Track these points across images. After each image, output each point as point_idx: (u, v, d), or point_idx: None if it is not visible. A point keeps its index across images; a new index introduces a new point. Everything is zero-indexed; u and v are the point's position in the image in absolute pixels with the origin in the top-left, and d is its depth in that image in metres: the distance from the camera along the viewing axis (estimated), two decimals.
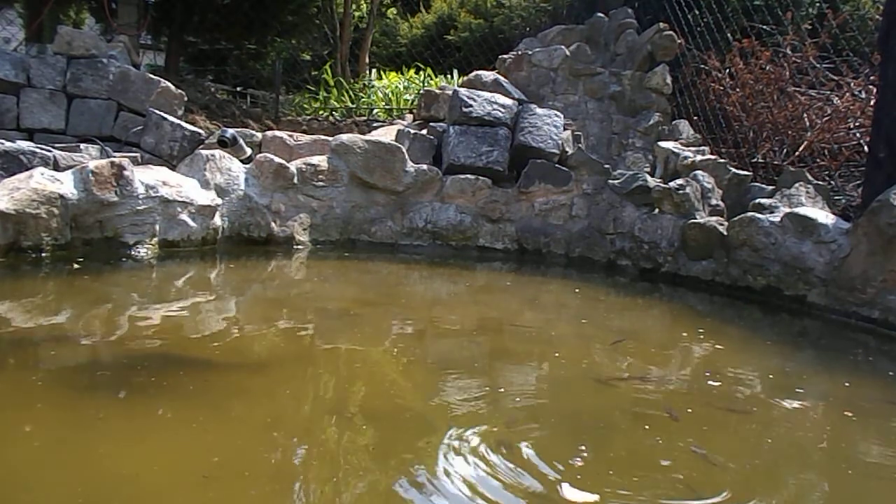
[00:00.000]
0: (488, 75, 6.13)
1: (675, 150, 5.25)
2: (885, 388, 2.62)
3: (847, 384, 2.59)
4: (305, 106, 9.37)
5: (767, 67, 6.17)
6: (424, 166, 5.08)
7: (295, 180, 4.73)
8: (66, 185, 3.71)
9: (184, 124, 5.31)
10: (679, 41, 6.57)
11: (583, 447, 1.79)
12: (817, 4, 7.20)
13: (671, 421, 2.09)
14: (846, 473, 1.83)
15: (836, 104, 5.77)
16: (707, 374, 2.61)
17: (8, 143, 4.05)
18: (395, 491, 1.54)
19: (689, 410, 2.17)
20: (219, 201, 4.41)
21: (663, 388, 2.41)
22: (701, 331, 3.30)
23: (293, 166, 4.75)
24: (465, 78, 6.31)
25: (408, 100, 8.67)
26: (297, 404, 2.08)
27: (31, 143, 4.25)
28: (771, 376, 2.65)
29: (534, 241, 5.10)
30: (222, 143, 5.02)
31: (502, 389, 2.34)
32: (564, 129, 5.38)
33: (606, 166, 5.19)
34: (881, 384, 2.67)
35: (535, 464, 1.70)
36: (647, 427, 2.02)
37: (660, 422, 2.07)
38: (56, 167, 4.02)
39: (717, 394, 2.36)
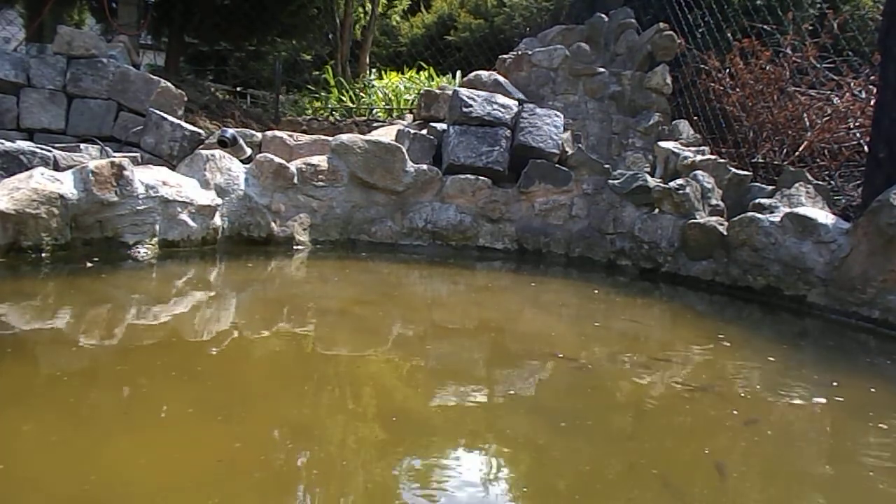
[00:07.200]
0: (488, 75, 6.13)
1: (675, 150, 5.25)
2: None
3: (872, 389, 2.55)
4: (306, 106, 9.37)
5: (767, 67, 6.17)
6: (424, 166, 5.07)
7: (295, 180, 4.73)
8: (66, 185, 3.71)
9: (184, 124, 5.31)
10: (679, 41, 6.56)
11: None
12: (818, 4, 7.19)
13: (687, 426, 2.09)
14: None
15: (836, 104, 5.77)
16: (709, 374, 2.61)
17: (8, 143, 4.05)
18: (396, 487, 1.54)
19: (723, 415, 2.17)
20: (219, 201, 4.41)
21: (668, 388, 2.41)
22: (710, 333, 3.30)
23: (293, 166, 4.75)
24: (465, 78, 6.31)
25: (408, 100, 8.67)
26: (300, 402, 2.08)
27: (31, 143, 4.25)
28: (789, 381, 2.65)
29: (534, 241, 5.10)
30: (222, 143, 5.02)
31: (501, 390, 2.34)
32: (564, 130, 5.38)
33: (606, 166, 5.19)
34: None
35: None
36: (665, 438, 2.01)
37: (672, 427, 2.07)
38: (56, 167, 4.02)
39: (721, 395, 2.36)
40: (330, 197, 4.87)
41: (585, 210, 5.11)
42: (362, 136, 5.20)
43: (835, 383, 2.54)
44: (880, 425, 2.13)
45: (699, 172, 4.67)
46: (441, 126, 5.56)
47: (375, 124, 7.24)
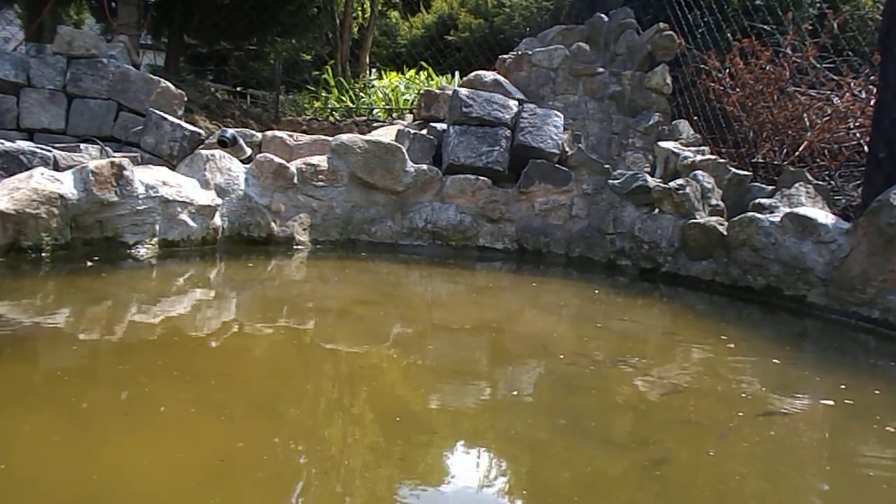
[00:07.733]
0: (488, 75, 6.12)
1: (675, 150, 5.25)
2: None
3: (877, 392, 2.54)
4: (306, 106, 9.37)
5: (767, 67, 6.17)
6: (424, 166, 5.07)
7: (295, 180, 4.73)
8: (66, 185, 3.71)
9: (184, 124, 5.31)
10: (679, 41, 6.56)
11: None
12: (818, 4, 7.19)
13: (689, 424, 2.09)
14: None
15: (836, 104, 5.76)
16: (712, 375, 2.61)
17: (8, 143, 4.05)
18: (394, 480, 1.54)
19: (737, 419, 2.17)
20: (219, 201, 4.41)
21: (670, 388, 2.41)
22: (711, 333, 3.30)
23: (293, 166, 4.75)
24: (465, 78, 6.31)
25: (408, 100, 8.66)
26: (302, 402, 2.08)
27: (31, 143, 4.24)
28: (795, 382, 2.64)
29: (534, 241, 5.09)
30: (222, 143, 5.01)
31: (503, 391, 2.34)
32: (564, 130, 5.38)
33: (606, 166, 5.19)
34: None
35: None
36: (674, 442, 2.01)
37: (674, 428, 2.07)
38: (56, 167, 4.02)
39: (725, 395, 2.36)
40: (330, 197, 4.86)
41: (585, 210, 5.11)
42: (362, 136, 5.19)
43: (842, 386, 2.53)
44: (887, 428, 2.13)
45: (699, 172, 4.67)
46: (441, 126, 5.55)
47: (375, 124, 7.24)
